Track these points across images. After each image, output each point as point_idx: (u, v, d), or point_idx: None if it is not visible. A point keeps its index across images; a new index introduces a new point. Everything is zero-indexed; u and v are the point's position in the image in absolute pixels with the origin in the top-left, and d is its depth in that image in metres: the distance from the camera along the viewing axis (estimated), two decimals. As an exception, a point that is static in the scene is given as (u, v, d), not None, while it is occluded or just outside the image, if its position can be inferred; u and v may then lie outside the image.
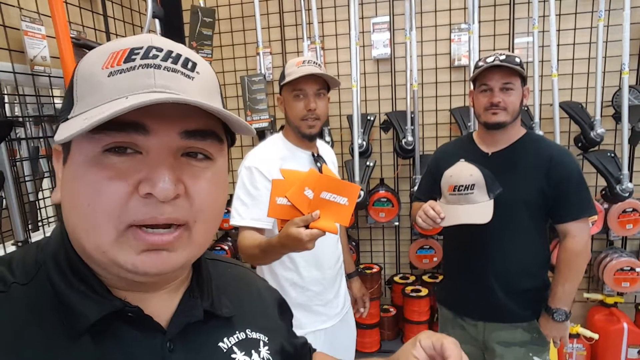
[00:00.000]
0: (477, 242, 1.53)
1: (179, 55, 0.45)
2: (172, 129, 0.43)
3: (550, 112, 2.21)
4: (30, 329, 0.43)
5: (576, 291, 1.53)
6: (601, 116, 2.18)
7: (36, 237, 1.59)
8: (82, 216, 0.43)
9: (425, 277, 2.55)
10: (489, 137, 1.55)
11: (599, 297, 2.40)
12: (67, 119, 0.43)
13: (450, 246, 1.74)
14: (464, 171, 1.45)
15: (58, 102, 1.70)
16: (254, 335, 0.59)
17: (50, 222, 1.68)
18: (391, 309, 2.57)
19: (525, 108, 2.29)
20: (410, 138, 2.34)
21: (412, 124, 2.34)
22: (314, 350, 0.77)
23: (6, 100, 1.54)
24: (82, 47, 1.71)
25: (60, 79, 1.61)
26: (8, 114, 1.54)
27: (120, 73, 0.42)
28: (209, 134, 0.46)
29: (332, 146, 2.46)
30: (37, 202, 1.67)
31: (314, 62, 1.45)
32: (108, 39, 2.04)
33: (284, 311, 0.70)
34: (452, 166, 1.49)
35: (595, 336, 2.20)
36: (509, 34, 2.36)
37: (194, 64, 0.45)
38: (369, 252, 2.69)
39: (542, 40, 2.24)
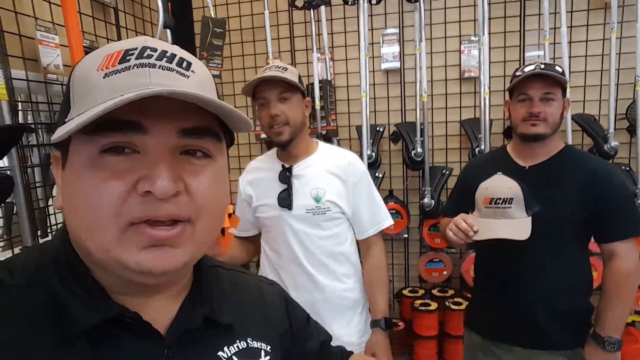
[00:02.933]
0: (514, 260, 1.41)
1: (173, 55, 0.44)
2: (170, 127, 0.43)
3: (563, 125, 2.17)
4: (27, 332, 0.43)
5: (627, 317, 1.39)
6: (615, 129, 2.14)
7: (44, 243, 1.59)
8: (83, 217, 0.42)
9: (434, 291, 2.50)
10: (526, 149, 1.46)
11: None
12: (65, 122, 0.43)
13: (483, 265, 1.60)
14: (502, 184, 1.37)
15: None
16: (256, 344, 0.57)
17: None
18: (400, 323, 2.52)
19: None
20: (419, 149, 2.32)
21: (422, 135, 2.32)
22: (350, 353, 0.74)
23: (19, 107, 1.56)
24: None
25: (72, 87, 1.63)
26: (21, 121, 1.56)
27: (116, 73, 0.41)
28: (206, 131, 0.45)
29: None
30: (47, 208, 1.68)
31: (277, 67, 1.35)
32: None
33: (292, 308, 0.69)
34: (487, 179, 1.41)
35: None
36: (520, 45, 2.35)
37: (189, 63, 0.45)
38: (377, 265, 2.66)
39: (553, 52, 2.22)
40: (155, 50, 0.43)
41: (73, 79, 0.45)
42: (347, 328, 1.44)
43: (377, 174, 2.34)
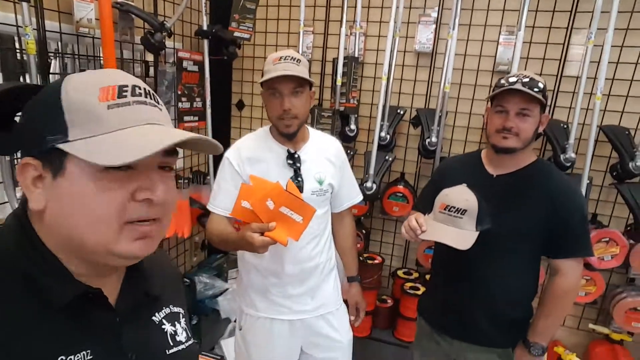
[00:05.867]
0: (466, 264, 1.49)
1: (147, 91, 0.57)
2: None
3: (586, 133, 2.07)
4: (3, 309, 0.52)
5: (558, 328, 1.50)
6: (647, 147, 2.02)
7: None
8: (83, 218, 0.53)
9: (427, 277, 2.56)
10: (496, 159, 1.50)
11: (605, 330, 2.31)
12: (68, 140, 0.51)
13: (439, 262, 1.70)
14: (461, 195, 1.42)
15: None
16: (175, 309, 0.72)
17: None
18: (389, 300, 2.63)
19: (565, 126, 2.17)
20: (434, 139, 2.29)
21: (439, 124, 2.28)
22: None
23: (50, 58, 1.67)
24: (126, 12, 1.83)
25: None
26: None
27: (118, 107, 0.53)
28: (175, 151, 0.59)
29: (357, 134, 2.48)
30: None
31: (292, 59, 1.40)
32: (155, 6, 2.14)
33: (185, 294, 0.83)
34: (453, 186, 1.46)
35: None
36: (564, 43, 2.20)
37: (156, 96, 0.59)
38: (379, 242, 2.73)
39: (600, 54, 2.05)
40: (139, 87, 0.55)
41: (67, 102, 0.51)
42: (331, 288, 1.68)
43: (386, 157, 2.35)
